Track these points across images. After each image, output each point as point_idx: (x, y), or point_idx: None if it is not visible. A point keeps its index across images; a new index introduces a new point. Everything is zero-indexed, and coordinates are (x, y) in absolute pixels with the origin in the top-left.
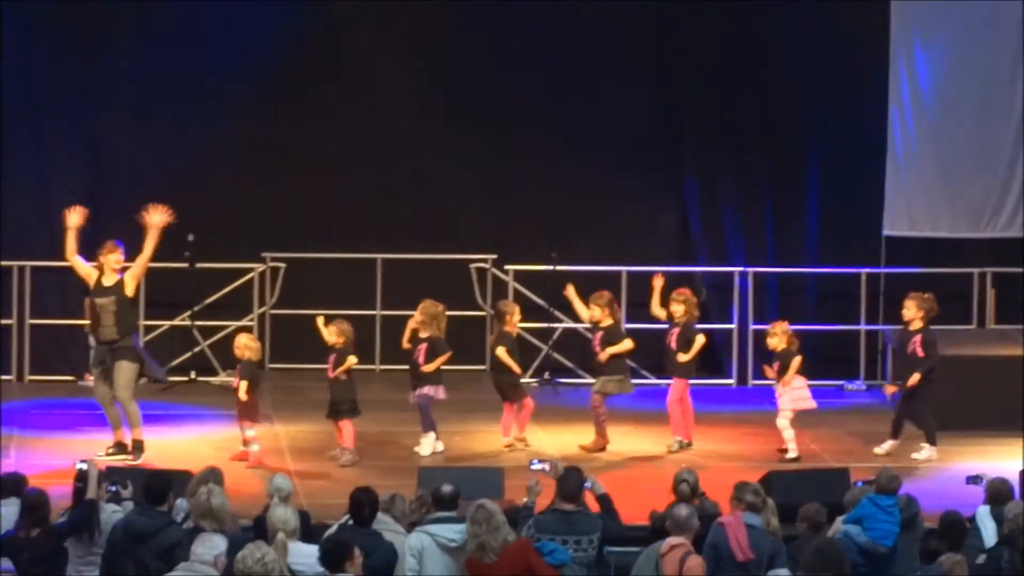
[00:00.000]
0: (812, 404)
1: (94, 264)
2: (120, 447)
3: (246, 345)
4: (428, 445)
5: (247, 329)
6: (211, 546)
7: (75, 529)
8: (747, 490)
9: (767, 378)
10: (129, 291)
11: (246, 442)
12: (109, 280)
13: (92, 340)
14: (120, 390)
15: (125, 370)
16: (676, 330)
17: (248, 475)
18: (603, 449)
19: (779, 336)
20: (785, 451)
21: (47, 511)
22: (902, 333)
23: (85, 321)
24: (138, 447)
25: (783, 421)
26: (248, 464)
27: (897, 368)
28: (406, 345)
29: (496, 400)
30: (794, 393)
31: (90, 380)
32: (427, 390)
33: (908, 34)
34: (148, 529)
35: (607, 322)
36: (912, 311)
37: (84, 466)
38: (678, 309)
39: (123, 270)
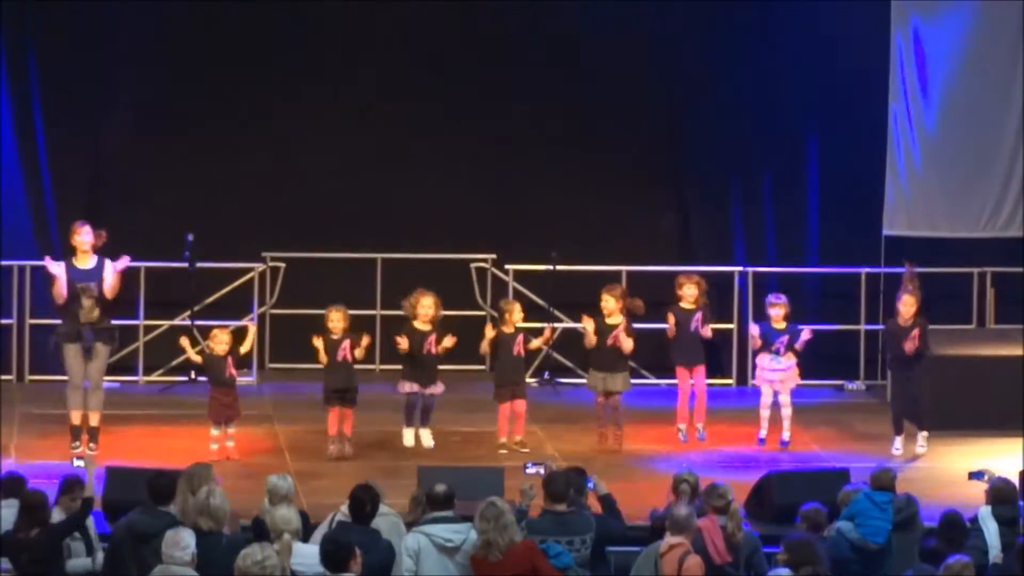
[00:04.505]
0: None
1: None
2: (75, 432)
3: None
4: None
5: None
6: (184, 546)
7: (73, 528)
8: (715, 494)
9: (777, 353)
10: (106, 286)
11: (230, 438)
12: (85, 263)
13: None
14: (97, 373)
15: (104, 354)
16: (699, 315)
17: (245, 475)
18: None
19: (784, 308)
20: (764, 441)
21: (46, 511)
22: (898, 328)
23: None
24: (95, 435)
25: (787, 397)
26: (227, 458)
27: (895, 362)
28: (405, 347)
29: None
30: (792, 372)
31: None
32: (440, 387)
33: (908, 33)
34: (151, 529)
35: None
36: (913, 306)
37: (81, 463)
38: (692, 292)
39: (95, 250)
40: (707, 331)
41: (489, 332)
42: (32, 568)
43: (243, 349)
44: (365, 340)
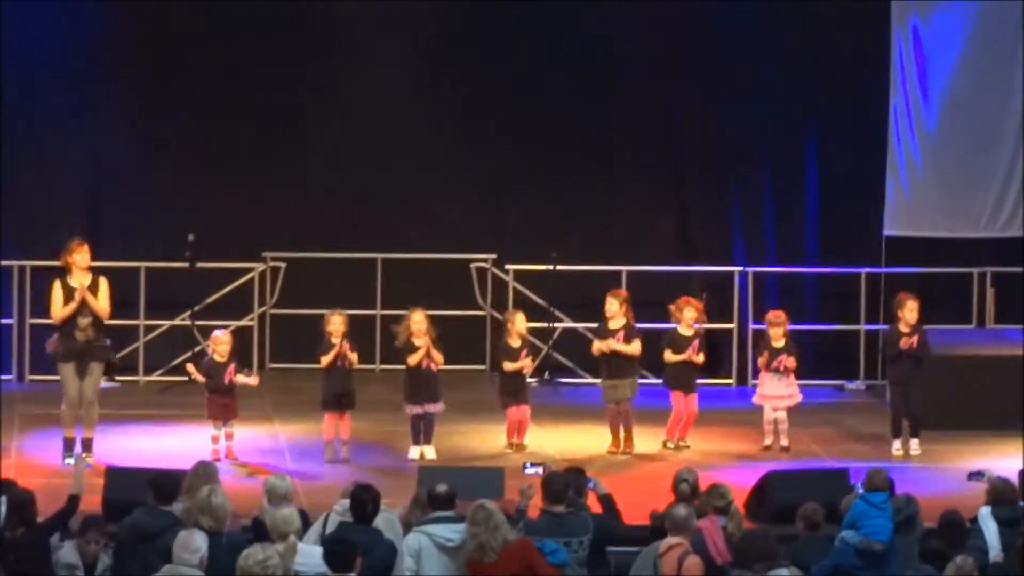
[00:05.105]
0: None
1: (61, 276)
2: (69, 444)
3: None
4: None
5: (247, 329)
6: (194, 548)
7: (59, 526)
8: (715, 494)
9: (778, 370)
10: (103, 302)
11: (230, 437)
12: (81, 281)
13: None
14: (92, 390)
15: (98, 372)
16: (696, 342)
17: (245, 474)
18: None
19: (783, 326)
20: (769, 447)
21: (33, 510)
22: (898, 332)
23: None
24: (89, 445)
25: (784, 414)
26: (226, 457)
27: (897, 369)
28: (415, 362)
29: (495, 399)
30: (793, 395)
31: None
32: (440, 406)
33: (908, 34)
34: (152, 529)
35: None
36: (917, 312)
37: (71, 461)
38: (691, 315)
39: (92, 269)
40: (701, 358)
41: (509, 367)
42: (18, 567)
43: (241, 380)
44: (354, 356)
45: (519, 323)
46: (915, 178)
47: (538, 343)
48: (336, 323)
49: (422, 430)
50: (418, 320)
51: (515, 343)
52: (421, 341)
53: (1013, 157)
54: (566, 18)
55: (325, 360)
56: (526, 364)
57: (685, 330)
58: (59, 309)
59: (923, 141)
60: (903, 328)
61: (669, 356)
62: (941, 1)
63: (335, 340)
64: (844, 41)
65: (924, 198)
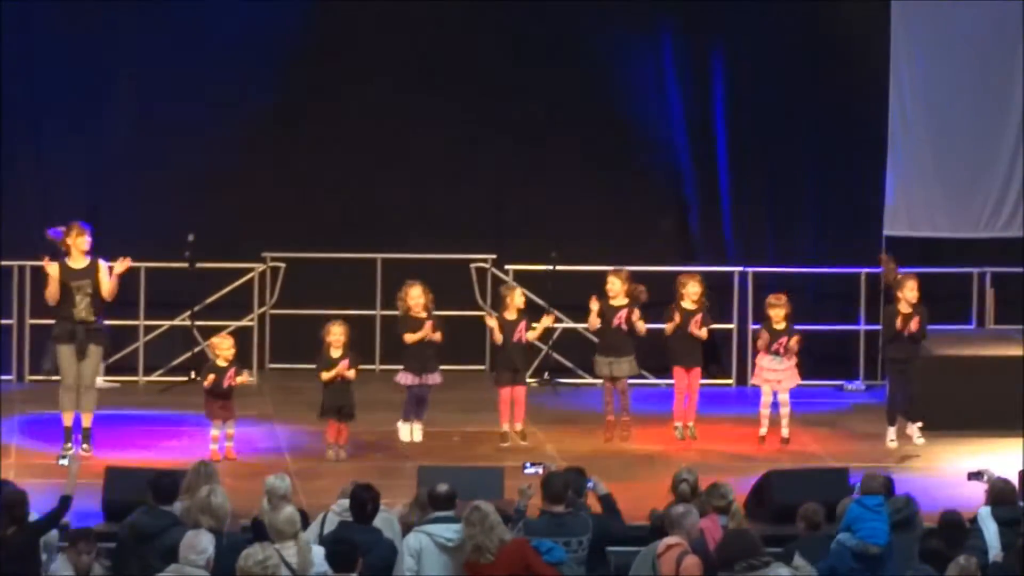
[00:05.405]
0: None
1: (54, 261)
2: (68, 434)
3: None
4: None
5: (247, 329)
6: (200, 549)
7: (51, 525)
8: (716, 493)
9: (777, 353)
10: (105, 288)
11: (229, 438)
12: (79, 263)
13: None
14: (90, 373)
15: (96, 355)
16: (699, 316)
17: (245, 474)
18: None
19: (784, 307)
20: (764, 438)
21: (25, 509)
22: (895, 315)
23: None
24: (88, 436)
25: (786, 396)
26: (225, 457)
27: (895, 348)
28: (414, 338)
29: (495, 400)
30: (791, 371)
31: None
32: (438, 378)
33: (908, 33)
34: (152, 529)
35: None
36: (917, 292)
37: (65, 462)
38: (696, 291)
39: (91, 253)
40: (704, 332)
41: (491, 321)
42: (9, 566)
43: (239, 381)
44: (352, 373)
45: (517, 299)
46: (915, 178)
47: (538, 343)
48: (336, 333)
49: (415, 405)
50: (415, 295)
51: (511, 316)
52: (421, 315)
53: (1013, 157)
54: (566, 18)
55: (326, 376)
56: (491, 321)
57: (688, 304)
58: (53, 289)
59: (923, 141)
60: (904, 308)
61: (669, 328)
62: (942, 1)
63: (334, 352)
64: (844, 41)
65: (924, 198)
